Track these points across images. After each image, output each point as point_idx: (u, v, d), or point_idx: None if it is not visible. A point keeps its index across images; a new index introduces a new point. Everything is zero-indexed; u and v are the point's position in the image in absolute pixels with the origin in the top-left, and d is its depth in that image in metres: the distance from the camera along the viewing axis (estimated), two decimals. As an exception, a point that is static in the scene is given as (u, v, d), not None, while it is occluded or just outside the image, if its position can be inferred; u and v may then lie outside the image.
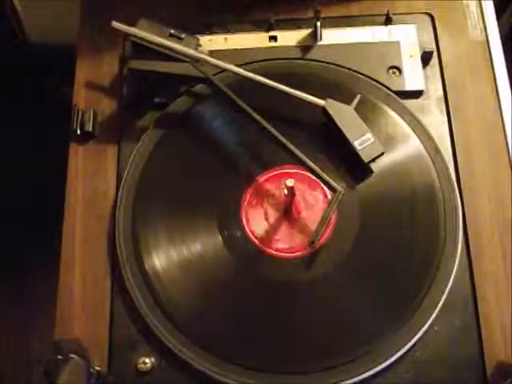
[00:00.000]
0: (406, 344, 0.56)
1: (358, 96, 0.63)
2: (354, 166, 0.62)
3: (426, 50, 0.68)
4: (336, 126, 0.62)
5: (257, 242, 0.60)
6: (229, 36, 0.70)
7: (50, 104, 1.04)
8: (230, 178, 0.63)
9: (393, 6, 0.71)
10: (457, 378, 0.56)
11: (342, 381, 0.55)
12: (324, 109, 0.63)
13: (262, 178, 0.63)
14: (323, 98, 0.63)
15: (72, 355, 0.53)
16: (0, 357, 0.98)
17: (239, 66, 0.66)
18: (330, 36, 0.70)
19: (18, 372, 0.98)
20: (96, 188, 0.64)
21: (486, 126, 0.65)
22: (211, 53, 0.68)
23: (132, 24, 0.64)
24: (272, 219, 0.62)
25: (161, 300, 0.58)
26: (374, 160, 0.61)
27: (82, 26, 0.72)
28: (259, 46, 0.70)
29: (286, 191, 0.59)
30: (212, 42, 0.70)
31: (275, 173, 0.63)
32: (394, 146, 0.64)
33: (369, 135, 0.62)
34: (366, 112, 0.64)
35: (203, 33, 0.70)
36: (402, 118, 0.65)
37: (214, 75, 0.65)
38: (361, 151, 0.61)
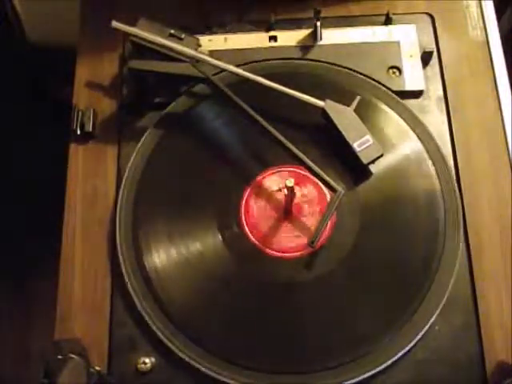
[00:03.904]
0: (406, 344, 0.56)
1: (358, 97, 0.63)
2: (353, 167, 0.62)
3: (426, 50, 0.68)
4: (335, 127, 0.62)
5: (257, 241, 0.60)
6: (229, 36, 0.70)
7: (50, 104, 1.04)
8: (229, 177, 0.63)
9: (393, 6, 0.71)
10: (457, 378, 0.56)
11: (342, 381, 0.55)
12: (323, 110, 0.63)
13: (261, 178, 0.63)
14: (323, 98, 0.63)
15: (72, 355, 0.53)
16: (0, 357, 0.99)
17: (239, 66, 0.66)
18: (330, 36, 0.70)
19: (18, 372, 0.98)
20: (96, 188, 0.64)
21: (486, 126, 0.65)
22: (211, 53, 0.68)
23: (132, 24, 0.64)
24: (272, 219, 0.62)
25: (161, 300, 0.58)
26: (373, 162, 0.61)
27: (82, 25, 0.72)
28: (259, 46, 0.70)
29: (285, 191, 0.59)
30: (212, 42, 0.70)
31: (275, 173, 0.63)
32: (394, 146, 0.64)
33: (368, 137, 0.62)
34: (366, 112, 0.64)
35: (203, 33, 0.70)
36: (402, 118, 0.65)
37: (214, 75, 0.65)
38: (360, 153, 0.61)
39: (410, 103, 0.66)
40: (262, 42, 0.70)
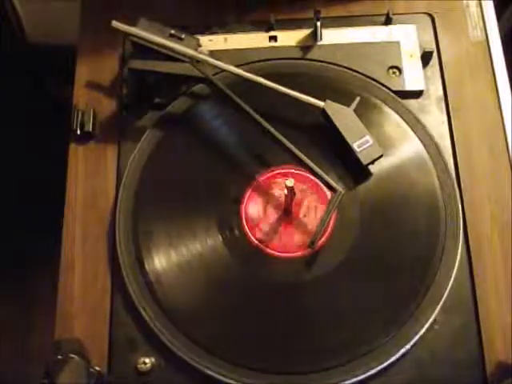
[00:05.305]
0: (406, 344, 0.56)
1: (358, 98, 0.63)
2: (353, 167, 0.62)
3: (426, 50, 0.68)
4: (335, 127, 0.62)
5: (257, 242, 0.60)
6: (229, 36, 0.70)
7: (50, 104, 1.04)
8: (229, 177, 0.63)
9: (393, 6, 0.71)
10: (457, 378, 0.56)
11: (342, 381, 0.55)
12: (323, 110, 0.63)
13: (262, 178, 0.63)
14: (323, 99, 0.63)
15: (72, 355, 0.53)
16: (0, 357, 0.99)
17: (239, 66, 0.66)
18: (330, 36, 0.70)
19: (18, 372, 0.98)
20: (96, 188, 0.64)
21: (486, 126, 0.65)
22: (211, 53, 0.68)
23: (132, 24, 0.64)
24: (272, 219, 0.62)
25: (161, 300, 0.58)
26: (372, 162, 0.61)
27: (82, 25, 0.72)
28: (259, 46, 0.70)
29: (286, 191, 0.59)
30: (212, 42, 0.70)
31: (275, 173, 0.63)
32: (394, 146, 0.64)
33: (368, 137, 0.62)
34: (366, 112, 0.64)
35: (203, 33, 0.70)
36: (402, 118, 0.65)
37: (214, 75, 0.65)
38: (359, 153, 0.61)
39: (410, 103, 0.66)
40: (262, 42, 0.70)
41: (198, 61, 0.64)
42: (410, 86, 0.67)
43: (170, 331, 0.57)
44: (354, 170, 0.62)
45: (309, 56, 0.69)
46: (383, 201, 0.62)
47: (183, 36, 0.65)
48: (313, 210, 0.62)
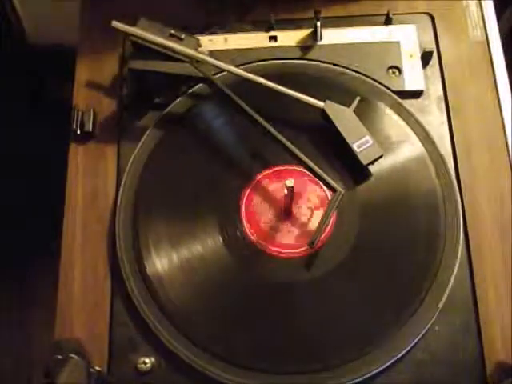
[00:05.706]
0: (406, 344, 0.56)
1: (358, 98, 0.63)
2: (353, 168, 0.62)
3: (426, 50, 0.68)
4: (335, 128, 0.62)
5: (257, 241, 0.60)
6: (229, 36, 0.70)
7: (50, 104, 1.04)
8: (229, 178, 0.63)
9: (393, 6, 0.71)
10: (457, 378, 0.56)
11: (342, 381, 0.55)
12: (323, 111, 0.63)
13: (261, 178, 0.63)
14: (323, 99, 0.63)
15: (72, 355, 0.53)
16: (0, 357, 0.98)
17: (239, 66, 0.66)
18: (330, 36, 0.70)
19: (18, 372, 0.98)
20: (96, 188, 0.64)
21: (486, 126, 0.65)
22: (211, 53, 0.68)
23: (132, 24, 0.64)
24: (272, 219, 0.62)
25: (161, 300, 0.58)
26: (372, 162, 0.61)
27: (82, 25, 0.72)
28: (259, 46, 0.70)
29: (285, 191, 0.59)
30: (212, 42, 0.70)
31: (275, 173, 0.63)
32: (393, 147, 0.64)
33: (368, 137, 0.62)
34: (366, 112, 0.64)
35: (203, 33, 0.70)
36: (402, 118, 0.65)
37: (214, 75, 0.66)
38: (359, 154, 0.61)
39: (410, 103, 0.66)
40: (262, 42, 0.70)
41: (198, 61, 0.64)
42: (409, 85, 0.67)
43: (169, 331, 0.57)
44: (353, 169, 0.62)
45: (309, 56, 0.69)
46: (383, 201, 0.62)
47: (183, 36, 0.65)
48: (313, 210, 0.62)
